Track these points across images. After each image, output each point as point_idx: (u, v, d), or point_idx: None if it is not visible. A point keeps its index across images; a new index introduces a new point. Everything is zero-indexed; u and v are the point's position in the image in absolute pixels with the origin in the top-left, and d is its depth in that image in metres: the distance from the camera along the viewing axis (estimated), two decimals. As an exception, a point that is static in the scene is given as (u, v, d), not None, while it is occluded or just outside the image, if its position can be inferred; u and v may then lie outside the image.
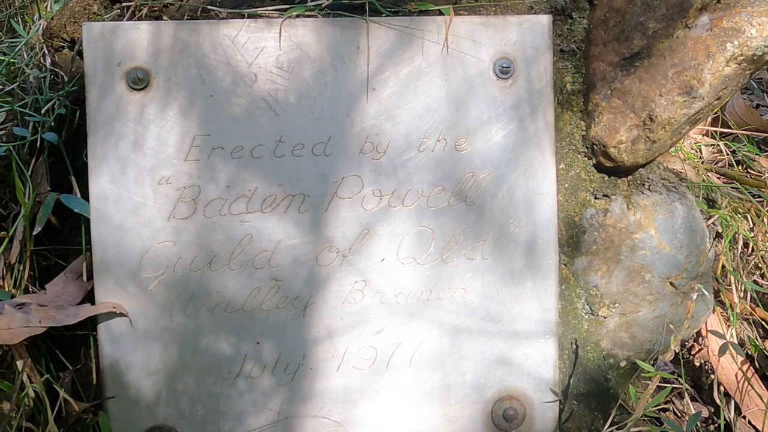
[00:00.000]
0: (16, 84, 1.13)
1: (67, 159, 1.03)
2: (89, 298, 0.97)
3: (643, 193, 1.11)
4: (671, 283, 1.10)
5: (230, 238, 0.97)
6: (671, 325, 1.08)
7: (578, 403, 1.10)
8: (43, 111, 1.04)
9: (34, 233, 0.95)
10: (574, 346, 1.11)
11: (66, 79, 1.07)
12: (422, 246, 1.01)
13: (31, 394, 0.87)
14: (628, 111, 1.05)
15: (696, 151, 1.57)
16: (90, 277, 0.97)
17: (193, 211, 0.96)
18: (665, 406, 1.17)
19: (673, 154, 1.36)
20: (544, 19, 1.02)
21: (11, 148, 0.99)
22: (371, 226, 0.99)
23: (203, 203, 0.96)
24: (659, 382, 1.02)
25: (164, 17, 1.06)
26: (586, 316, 1.11)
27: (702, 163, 1.50)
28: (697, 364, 1.26)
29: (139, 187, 0.95)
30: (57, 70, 1.11)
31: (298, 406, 0.99)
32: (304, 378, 0.99)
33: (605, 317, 1.11)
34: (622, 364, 1.12)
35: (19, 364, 0.86)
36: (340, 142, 0.99)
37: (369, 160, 0.99)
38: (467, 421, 1.03)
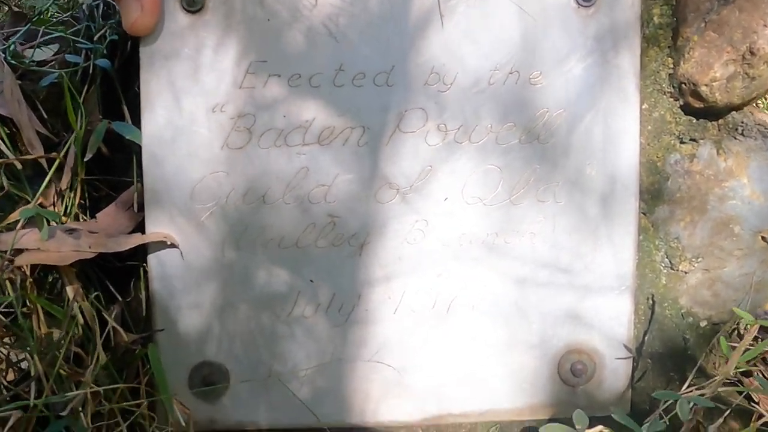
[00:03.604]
0: (69, 14, 1.10)
1: (119, 88, 0.99)
2: (140, 229, 0.94)
3: (735, 138, 1.00)
4: (763, 238, 1.00)
5: (285, 170, 0.92)
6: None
7: (653, 362, 1.02)
8: (95, 38, 1.01)
9: (85, 159, 0.91)
10: (651, 302, 1.02)
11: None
12: (489, 186, 0.93)
13: (81, 320, 0.84)
14: (725, 44, 0.94)
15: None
16: (141, 208, 0.94)
17: (247, 141, 0.91)
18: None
19: (763, 110, 1.24)
20: (633, -61, 0.93)
21: (63, 74, 0.96)
22: (435, 162, 0.93)
23: (258, 133, 0.91)
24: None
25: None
26: (665, 270, 1.02)
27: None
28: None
29: (191, 114, 0.91)
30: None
31: (352, 349, 0.94)
32: (358, 320, 0.94)
33: (686, 272, 1.02)
34: (702, 324, 1.03)
35: (69, 290, 0.84)
36: (404, 73, 0.92)
37: (434, 93, 0.92)
38: (531, 373, 0.96)
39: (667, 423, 0.88)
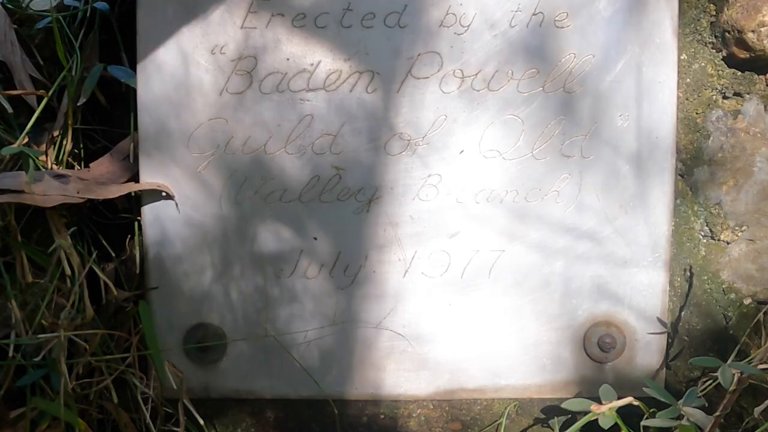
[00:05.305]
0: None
1: (118, 33, 0.94)
2: (135, 181, 0.88)
3: (786, 92, 0.91)
4: (817, 204, 0.90)
5: (288, 117, 0.85)
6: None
7: (690, 339, 0.93)
8: (96, -17, 0.96)
9: (79, 104, 0.86)
10: (688, 274, 0.93)
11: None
12: (509, 138, 0.86)
13: (68, 271, 0.79)
14: (775, -16, 0.85)
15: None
16: (137, 159, 0.88)
17: (248, 86, 0.85)
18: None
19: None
20: None
21: (56, 16, 0.90)
22: (450, 111, 0.85)
23: (259, 77, 0.85)
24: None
25: None
26: (705, 240, 0.93)
27: None
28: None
29: (189, 55, 0.85)
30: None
31: (357, 314, 0.87)
32: (365, 282, 0.87)
33: (728, 242, 0.93)
34: (746, 301, 0.94)
35: (56, 237, 0.78)
36: (418, 13, 0.85)
37: (450, 35, 0.85)
38: (554, 347, 0.88)
39: (705, 403, 0.79)
